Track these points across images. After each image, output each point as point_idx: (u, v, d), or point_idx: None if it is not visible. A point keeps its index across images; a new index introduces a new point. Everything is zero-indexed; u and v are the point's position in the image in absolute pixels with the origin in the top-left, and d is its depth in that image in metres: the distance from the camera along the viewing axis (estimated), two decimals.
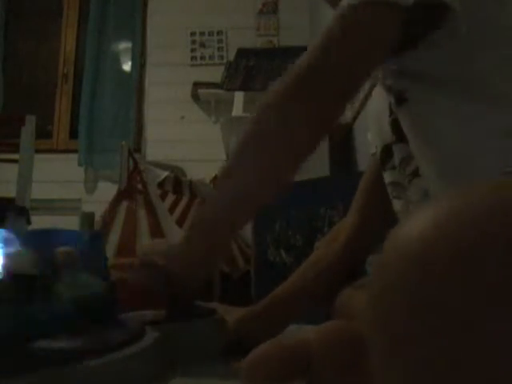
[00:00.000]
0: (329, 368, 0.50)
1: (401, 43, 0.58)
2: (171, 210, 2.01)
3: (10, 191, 1.83)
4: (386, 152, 0.73)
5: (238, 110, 2.54)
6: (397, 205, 0.75)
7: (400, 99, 0.64)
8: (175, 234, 1.55)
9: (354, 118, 1.99)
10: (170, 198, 2.09)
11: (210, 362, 0.66)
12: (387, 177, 0.75)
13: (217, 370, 0.65)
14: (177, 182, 2.14)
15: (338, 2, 0.59)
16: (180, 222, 1.95)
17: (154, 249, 0.67)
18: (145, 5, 3.45)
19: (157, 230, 1.50)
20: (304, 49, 0.61)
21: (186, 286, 0.65)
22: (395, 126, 0.68)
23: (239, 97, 2.61)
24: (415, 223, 0.30)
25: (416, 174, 0.67)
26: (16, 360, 0.43)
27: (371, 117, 0.82)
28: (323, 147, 1.76)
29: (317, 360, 0.50)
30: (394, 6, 0.55)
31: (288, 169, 0.61)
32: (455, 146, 0.59)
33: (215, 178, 2.73)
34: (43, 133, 3.09)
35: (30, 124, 1.86)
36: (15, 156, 1.86)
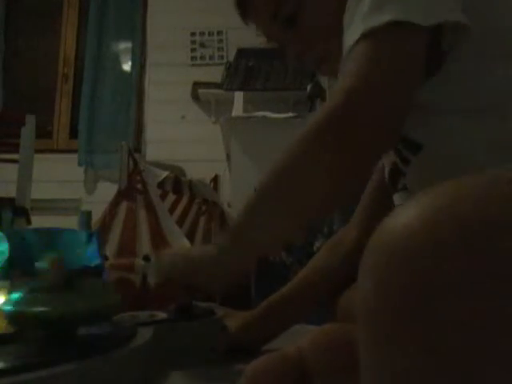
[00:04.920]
0: (320, 373, 0.50)
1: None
2: (171, 210, 2.00)
3: (10, 191, 1.83)
4: (396, 172, 0.67)
5: (237, 110, 2.54)
6: None
7: (413, 146, 0.58)
8: (175, 234, 1.55)
9: None
10: (170, 197, 2.09)
11: (206, 363, 0.67)
12: (398, 199, 0.70)
13: (212, 372, 0.65)
14: (177, 182, 2.14)
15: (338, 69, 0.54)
16: (180, 222, 1.95)
17: (185, 262, 0.64)
18: (145, 5, 3.44)
19: (157, 230, 1.50)
20: None
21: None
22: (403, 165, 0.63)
23: (239, 97, 2.61)
24: (399, 219, 0.31)
25: None
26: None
27: None
28: None
29: (309, 367, 0.51)
30: (418, 27, 0.49)
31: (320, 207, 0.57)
32: None
33: (215, 177, 2.73)
34: (43, 133, 3.09)
35: (30, 124, 1.86)
36: (15, 156, 1.86)
